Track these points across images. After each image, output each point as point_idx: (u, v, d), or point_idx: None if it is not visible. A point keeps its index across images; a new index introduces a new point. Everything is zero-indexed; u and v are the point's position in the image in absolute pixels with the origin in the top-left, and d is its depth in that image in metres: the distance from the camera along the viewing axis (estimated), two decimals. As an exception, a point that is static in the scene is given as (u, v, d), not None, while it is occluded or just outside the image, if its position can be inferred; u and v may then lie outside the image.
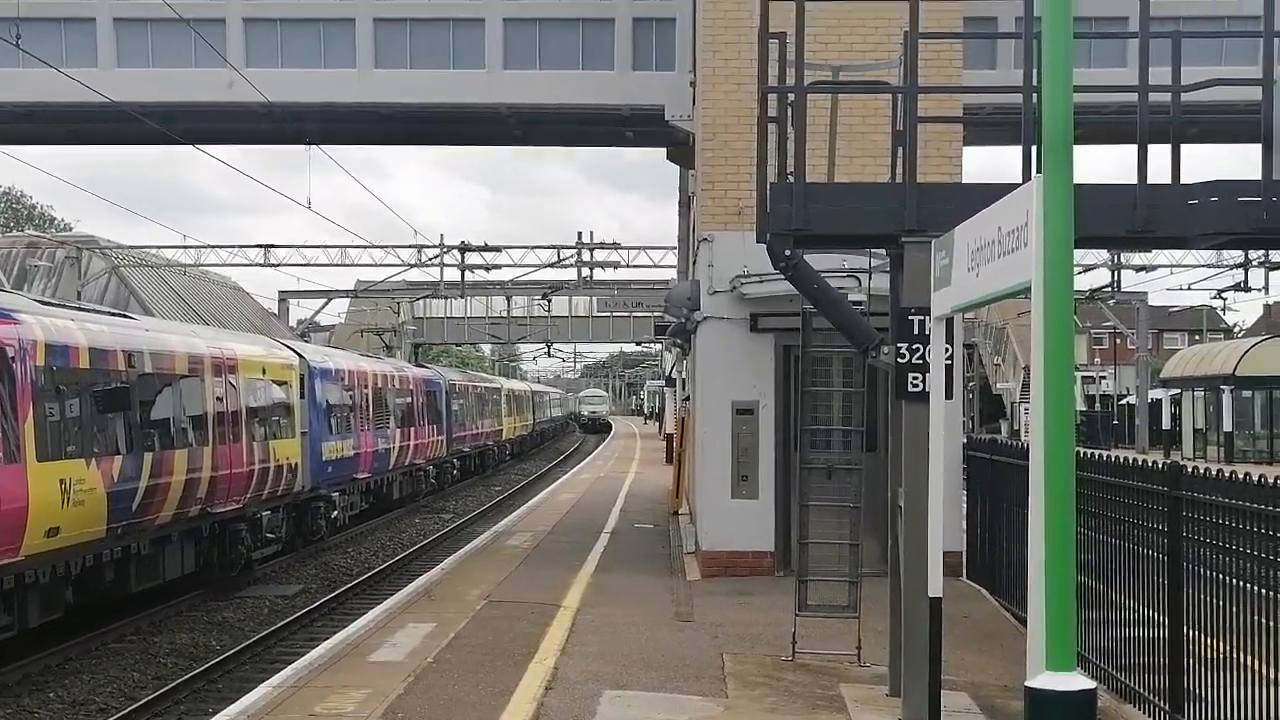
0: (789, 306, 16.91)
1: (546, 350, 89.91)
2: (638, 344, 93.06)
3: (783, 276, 12.87)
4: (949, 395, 11.48)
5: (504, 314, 72.00)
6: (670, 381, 53.28)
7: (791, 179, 12.12)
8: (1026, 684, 5.72)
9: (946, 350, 11.20)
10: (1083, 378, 77.91)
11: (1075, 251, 6.05)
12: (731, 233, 19.82)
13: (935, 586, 8.78)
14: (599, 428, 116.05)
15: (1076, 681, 5.62)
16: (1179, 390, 59.37)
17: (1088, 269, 51.86)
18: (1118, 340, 72.95)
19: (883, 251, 13.71)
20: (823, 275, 13.05)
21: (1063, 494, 5.64)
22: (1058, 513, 5.63)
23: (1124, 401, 71.55)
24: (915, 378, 11.42)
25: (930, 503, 9.04)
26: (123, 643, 19.72)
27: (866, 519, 15.23)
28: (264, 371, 26.87)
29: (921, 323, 11.01)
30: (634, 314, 71.75)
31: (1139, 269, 52.92)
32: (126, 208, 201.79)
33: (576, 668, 13.47)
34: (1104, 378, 75.21)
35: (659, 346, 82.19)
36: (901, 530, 12.03)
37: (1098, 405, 72.02)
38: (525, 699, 12.04)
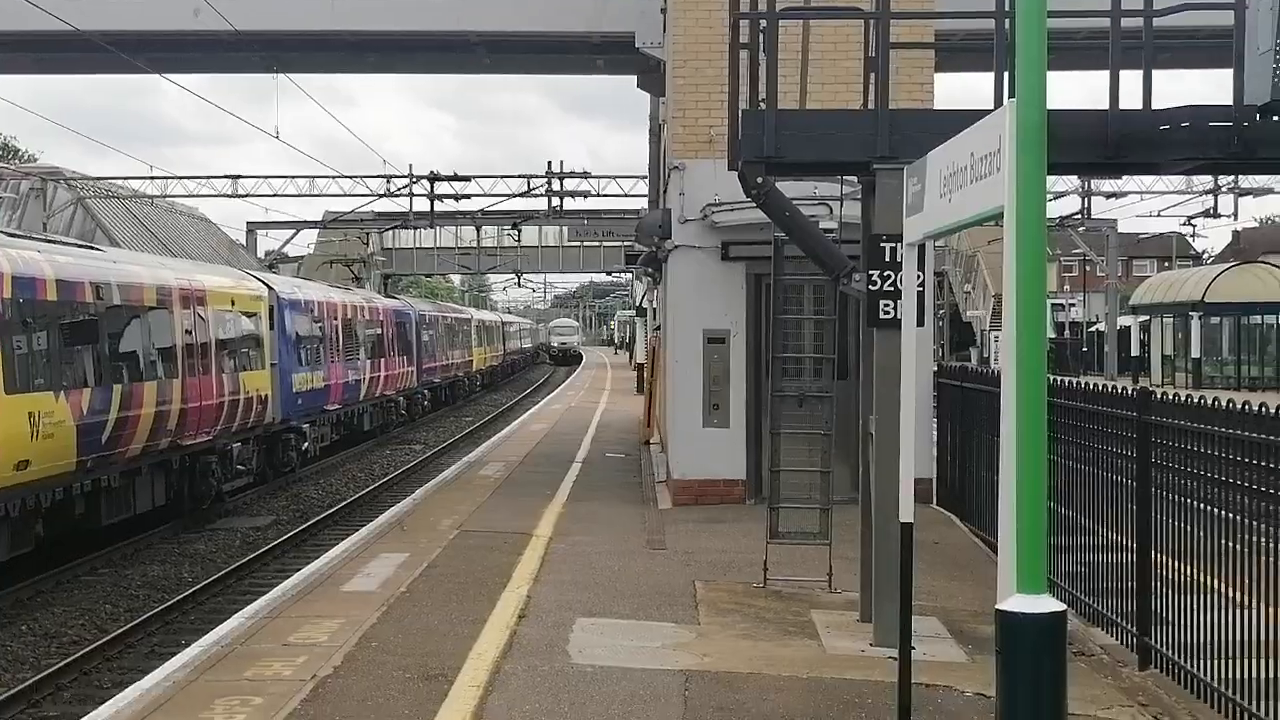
0: (760, 235, 16.90)
1: (516, 280, 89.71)
2: (608, 274, 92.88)
3: (754, 204, 12.87)
4: (920, 322, 11.50)
5: (474, 244, 71.67)
6: (641, 311, 53.23)
7: (764, 106, 12.08)
8: (997, 606, 5.76)
9: (919, 277, 11.21)
10: (1052, 305, 77.98)
11: (1047, 178, 6.04)
12: (703, 161, 19.77)
13: (906, 512, 8.82)
14: (569, 359, 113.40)
15: (1046, 604, 5.66)
16: (1148, 317, 59.67)
17: (1058, 196, 51.90)
18: (1087, 267, 73.14)
19: (854, 179, 13.69)
20: (794, 203, 13.04)
21: (1034, 417, 5.66)
22: (1029, 436, 5.65)
23: (1093, 329, 71.90)
24: (887, 304, 11.43)
25: (902, 428, 9.06)
26: (94, 575, 19.74)
27: (837, 446, 15.30)
28: (233, 303, 26.76)
29: (893, 249, 11.00)
30: (604, 244, 71.67)
31: (1109, 196, 53.01)
32: (93, 139, 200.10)
33: (550, 596, 13.53)
34: (1073, 305, 75.48)
35: (629, 276, 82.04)
36: (873, 457, 12.10)
37: (1067, 332, 72.33)
38: (498, 627, 12.10)
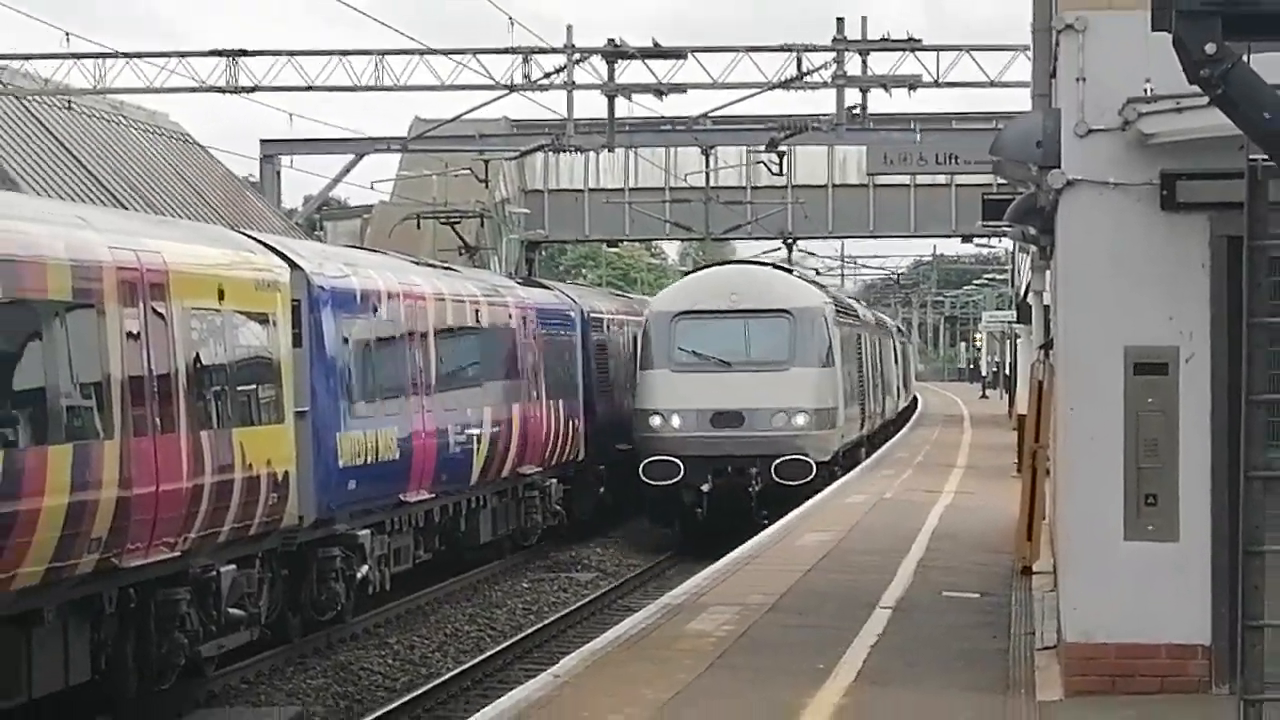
0: (1238, 158, 16.81)
1: (786, 251, 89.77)
2: (965, 239, 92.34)
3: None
4: None
5: (699, 184, 71.90)
6: (1023, 312, 53.22)
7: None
8: None
9: None
10: None
11: None
12: (1122, 15, 19.74)
13: None
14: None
15: None
16: None
17: None
18: None
19: None
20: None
21: None
22: None
23: None
24: None
25: None
26: None
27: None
28: (221, 294, 27.49)
29: None
30: (955, 178, 71.48)
31: None
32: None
33: None
34: None
35: (1009, 245, 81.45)
36: None
37: None
38: None
